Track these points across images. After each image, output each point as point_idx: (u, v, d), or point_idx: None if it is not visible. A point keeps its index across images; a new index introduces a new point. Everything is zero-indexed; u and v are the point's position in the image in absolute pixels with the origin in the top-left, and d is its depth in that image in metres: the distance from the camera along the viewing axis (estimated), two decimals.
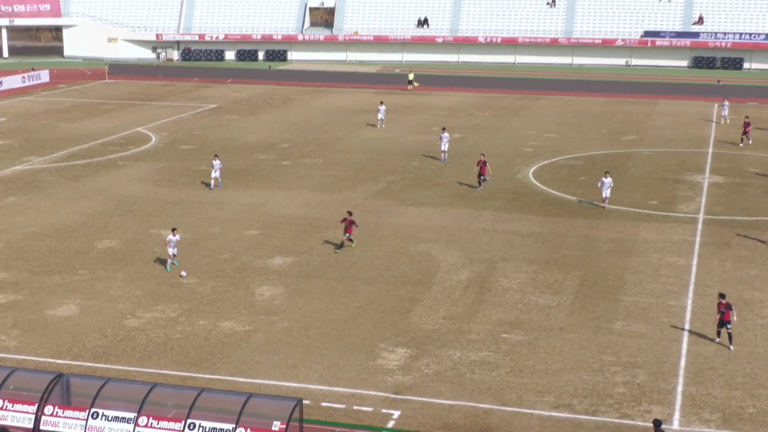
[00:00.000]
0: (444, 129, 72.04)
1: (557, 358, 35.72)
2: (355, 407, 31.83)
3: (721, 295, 36.98)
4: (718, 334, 36.99)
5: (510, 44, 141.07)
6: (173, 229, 45.60)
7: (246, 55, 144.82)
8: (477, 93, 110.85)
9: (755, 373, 34.58)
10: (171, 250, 44.84)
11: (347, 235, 48.12)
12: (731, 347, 36.24)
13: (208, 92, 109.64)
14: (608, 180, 56.24)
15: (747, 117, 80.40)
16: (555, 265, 46.42)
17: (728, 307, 36.37)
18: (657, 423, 27.52)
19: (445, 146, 69.91)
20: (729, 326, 36.44)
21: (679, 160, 72.26)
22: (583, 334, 37.89)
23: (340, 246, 48.22)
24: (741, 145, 77.37)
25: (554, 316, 39.86)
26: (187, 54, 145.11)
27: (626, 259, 47.39)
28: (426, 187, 62.03)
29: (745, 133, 78.35)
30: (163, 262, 45.58)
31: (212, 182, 61.06)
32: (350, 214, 48.77)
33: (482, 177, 61.48)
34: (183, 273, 44.21)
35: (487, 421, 30.94)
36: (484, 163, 61.54)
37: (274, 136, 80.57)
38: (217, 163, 61.23)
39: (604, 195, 56.24)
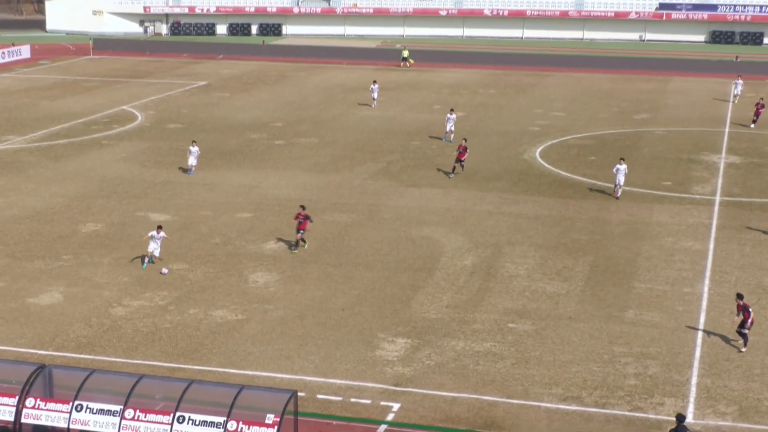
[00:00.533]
0: (452, 110, 71.76)
1: (566, 348, 35.69)
2: (353, 400, 31.81)
3: (739, 296, 36.30)
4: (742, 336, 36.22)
5: (517, 17, 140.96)
6: (159, 227, 43.94)
7: (238, 29, 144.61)
8: (482, 69, 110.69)
9: None
10: (152, 247, 43.37)
11: (301, 232, 45.85)
12: (743, 349, 35.77)
13: (197, 69, 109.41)
14: (623, 167, 55.13)
15: (762, 99, 79.81)
16: (564, 250, 46.38)
17: (745, 308, 35.69)
18: (680, 418, 27.38)
19: (451, 127, 69.68)
20: (745, 328, 35.73)
21: (694, 139, 72.16)
22: (594, 324, 37.86)
23: (295, 245, 46.28)
24: (751, 126, 76.97)
25: (563, 304, 39.82)
26: (176, 28, 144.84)
27: (639, 244, 47.34)
28: (428, 168, 61.95)
29: (756, 114, 77.80)
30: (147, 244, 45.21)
31: (190, 168, 59.89)
32: (303, 208, 46.43)
33: (460, 162, 59.94)
34: (164, 270, 43.30)
35: (492, 414, 30.93)
36: (465, 149, 60.00)
37: (267, 115, 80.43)
38: (195, 149, 59.92)
39: (617, 181, 55.21)
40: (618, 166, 55.31)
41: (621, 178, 55.17)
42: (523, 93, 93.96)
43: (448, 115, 70.41)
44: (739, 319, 35.90)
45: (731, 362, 34.70)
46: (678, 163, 64.12)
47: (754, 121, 77.71)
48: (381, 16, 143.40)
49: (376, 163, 63.41)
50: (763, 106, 77.94)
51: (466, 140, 61.66)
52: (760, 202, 54.87)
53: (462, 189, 56.83)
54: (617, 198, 54.85)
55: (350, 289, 41.33)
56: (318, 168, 61.85)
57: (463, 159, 59.75)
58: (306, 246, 46.16)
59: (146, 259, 43.93)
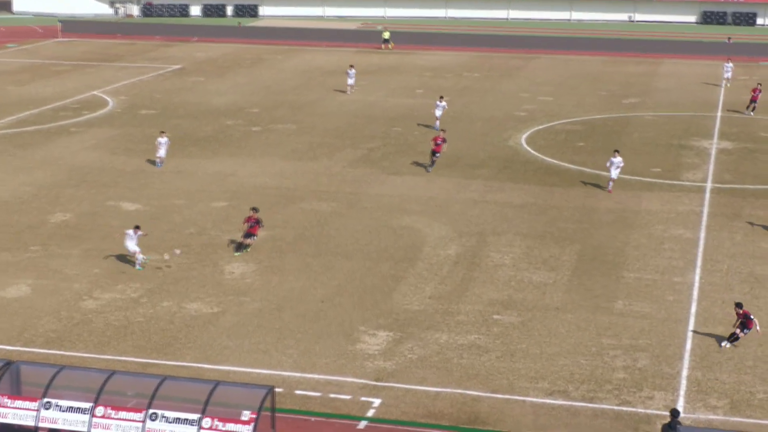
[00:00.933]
0: (441, 97, 71.07)
1: (552, 341, 35.82)
2: (332, 395, 31.86)
3: (738, 305, 35.67)
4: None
5: None
6: (136, 227, 42.77)
7: (213, 11, 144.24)
8: (466, 52, 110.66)
9: (766, 356, 34.75)
10: (131, 247, 42.46)
11: (252, 237, 44.48)
12: (725, 344, 35.55)
13: (171, 52, 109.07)
14: (618, 159, 54.15)
15: (759, 84, 78.78)
16: (551, 239, 46.50)
17: (747, 317, 35.02)
18: (674, 413, 27.46)
19: (440, 114, 69.14)
20: (743, 332, 35.22)
21: (685, 124, 72.39)
22: (581, 315, 37.99)
23: (241, 248, 44.86)
24: (751, 113, 76.66)
25: (550, 294, 39.95)
26: (149, 9, 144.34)
27: (628, 232, 47.51)
28: (410, 155, 61.98)
29: (752, 99, 77.10)
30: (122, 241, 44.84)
31: (157, 160, 58.97)
32: (255, 210, 45.03)
33: (436, 155, 58.35)
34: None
35: (476, 409, 31.02)
36: (443, 140, 58.52)
37: (243, 100, 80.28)
38: (164, 140, 58.92)
39: (612, 176, 54.41)
40: (612, 158, 54.49)
41: (615, 173, 54.17)
42: (509, 76, 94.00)
43: (438, 102, 70.05)
44: (739, 331, 35.29)
45: (723, 354, 34.87)
46: (668, 149, 64.30)
47: (752, 108, 76.77)
48: None
49: (357, 150, 63.40)
50: (760, 91, 77.18)
51: (444, 131, 60.75)
52: (753, 189, 55.12)
53: (445, 177, 56.87)
54: (609, 192, 54.06)
55: (330, 279, 41.35)
56: (296, 155, 61.80)
57: (438, 152, 58.21)
58: (248, 250, 44.59)
59: (137, 264, 42.65)
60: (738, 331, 35.28)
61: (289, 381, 32.67)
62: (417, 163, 59.88)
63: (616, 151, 55.83)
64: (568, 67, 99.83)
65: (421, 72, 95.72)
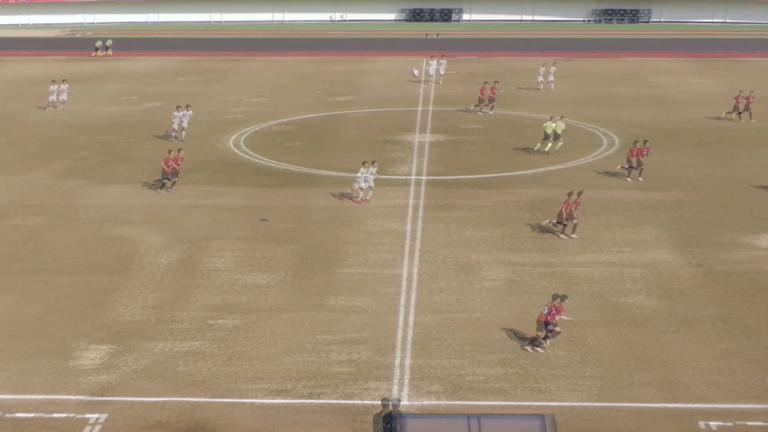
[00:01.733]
0: (179, 107, 68.40)
1: (272, 341, 35.83)
2: (52, 414, 30.82)
3: (557, 297, 35.47)
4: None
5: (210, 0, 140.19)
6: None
7: None
8: (177, 56, 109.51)
9: (478, 339, 35.94)
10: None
11: None
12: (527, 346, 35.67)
13: None
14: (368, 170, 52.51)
15: (744, 92, 74.87)
16: (268, 240, 46.54)
17: (556, 310, 35.05)
18: (392, 402, 27.83)
19: (176, 124, 67.04)
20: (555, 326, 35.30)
21: (395, 120, 74.02)
22: (301, 313, 38.19)
23: None
24: (734, 119, 73.84)
25: (269, 295, 39.96)
26: None
27: (342, 229, 48.10)
28: (121, 163, 60.76)
29: (746, 108, 73.47)
30: None
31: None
32: None
33: (167, 178, 54.32)
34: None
35: (200, 416, 30.64)
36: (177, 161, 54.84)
37: None
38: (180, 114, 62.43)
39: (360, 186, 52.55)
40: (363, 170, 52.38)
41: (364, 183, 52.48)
42: (223, 80, 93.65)
43: (178, 113, 67.48)
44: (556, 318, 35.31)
45: (440, 341, 35.80)
46: (378, 145, 65.57)
47: (741, 115, 73.60)
48: (63, 3, 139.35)
49: (65, 160, 61.59)
50: (750, 99, 73.80)
51: (180, 151, 56.03)
52: (464, 179, 56.89)
53: None
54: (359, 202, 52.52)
55: (44, 296, 39.95)
56: (4, 169, 59.45)
57: (175, 173, 54.60)
58: None
59: None
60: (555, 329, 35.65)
61: (6, 404, 31.31)
62: (136, 168, 58.86)
63: (373, 162, 53.65)
64: (279, 68, 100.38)
65: (134, 78, 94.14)
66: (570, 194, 47.10)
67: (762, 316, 38.08)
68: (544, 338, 35.17)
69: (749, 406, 31.39)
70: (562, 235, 46.76)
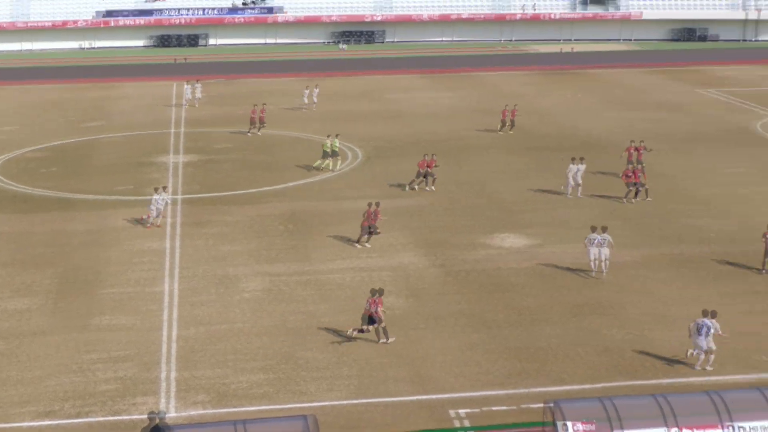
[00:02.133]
0: None
1: (37, 364, 35.29)
2: None
3: (374, 292, 36.97)
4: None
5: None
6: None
7: None
8: None
9: (240, 349, 36.47)
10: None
11: None
12: (389, 340, 36.88)
13: None
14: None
15: (516, 105, 77.94)
16: (26, 265, 45.62)
17: (375, 302, 36.39)
18: (158, 415, 27.88)
19: None
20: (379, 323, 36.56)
21: (149, 142, 73.55)
22: (65, 335, 37.72)
23: None
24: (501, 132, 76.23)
25: (31, 320, 39.26)
26: None
27: (102, 251, 47.67)
28: None
29: (511, 121, 76.26)
30: None
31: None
32: None
33: None
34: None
35: None
36: None
37: None
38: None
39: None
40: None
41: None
42: None
43: None
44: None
45: (204, 353, 36.12)
46: (134, 167, 65.07)
47: (502, 128, 76.30)
48: None
49: None
50: (514, 113, 76.66)
51: None
52: (218, 196, 57.22)
53: None
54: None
55: None
56: None
57: None
58: None
59: None
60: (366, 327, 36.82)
61: None
62: None
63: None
64: (28, 96, 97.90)
65: None
66: (369, 205, 48.28)
67: (500, 309, 40.18)
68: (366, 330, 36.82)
69: (493, 392, 33.13)
70: (356, 244, 48.06)
